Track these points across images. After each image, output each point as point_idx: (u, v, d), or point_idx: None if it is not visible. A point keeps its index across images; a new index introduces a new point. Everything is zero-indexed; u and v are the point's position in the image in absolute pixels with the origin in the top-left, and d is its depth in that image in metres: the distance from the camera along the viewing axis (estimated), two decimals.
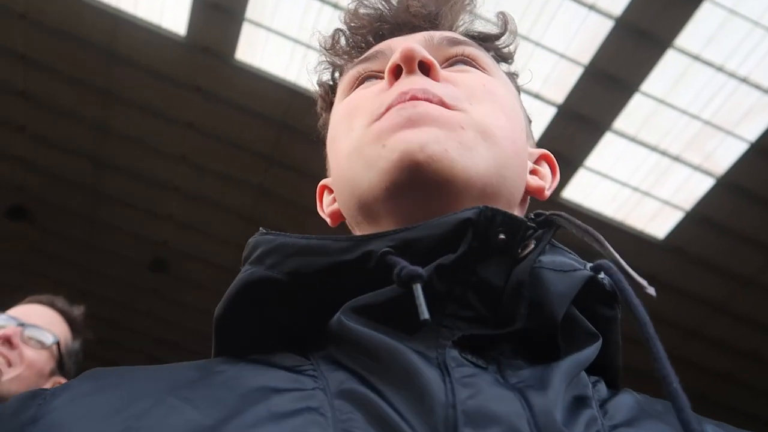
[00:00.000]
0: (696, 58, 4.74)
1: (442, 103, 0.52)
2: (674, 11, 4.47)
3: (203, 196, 6.44)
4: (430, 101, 0.51)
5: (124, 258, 7.37)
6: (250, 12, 4.91)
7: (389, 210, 0.50)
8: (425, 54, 0.54)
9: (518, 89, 0.68)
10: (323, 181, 0.67)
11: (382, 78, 0.58)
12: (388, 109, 0.52)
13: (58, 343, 1.44)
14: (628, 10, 4.45)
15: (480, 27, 0.66)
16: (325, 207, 0.64)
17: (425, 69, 0.54)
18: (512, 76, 0.67)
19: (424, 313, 0.38)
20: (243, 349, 0.46)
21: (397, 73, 0.55)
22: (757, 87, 4.82)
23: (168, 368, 0.44)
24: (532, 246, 0.45)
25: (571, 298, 0.45)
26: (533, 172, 0.62)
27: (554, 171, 0.64)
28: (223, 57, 5.19)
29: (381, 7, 0.63)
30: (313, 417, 0.38)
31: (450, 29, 0.64)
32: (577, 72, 4.86)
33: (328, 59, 0.67)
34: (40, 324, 1.44)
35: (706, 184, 5.44)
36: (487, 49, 0.64)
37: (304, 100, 5.31)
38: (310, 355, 0.45)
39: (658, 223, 5.85)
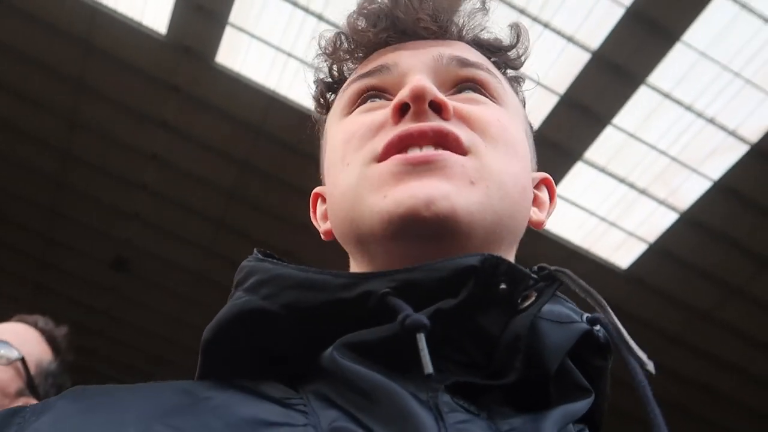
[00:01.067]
0: (666, 96, 4.89)
1: (457, 143, 0.49)
2: (649, 49, 4.61)
3: (172, 197, 6.34)
4: (443, 144, 0.49)
5: (86, 254, 7.19)
6: (234, 16, 4.89)
7: (387, 250, 0.49)
8: (437, 94, 0.51)
9: (524, 101, 0.66)
10: (317, 189, 0.64)
11: (386, 98, 0.55)
12: (388, 149, 0.50)
13: (23, 360, 1.36)
14: (605, 44, 4.57)
15: (490, 35, 0.63)
16: (319, 218, 0.62)
17: (436, 108, 0.51)
18: (518, 83, 0.65)
19: (429, 367, 0.38)
20: (229, 372, 0.45)
21: (403, 110, 0.51)
22: (723, 128, 4.98)
23: (153, 389, 0.43)
24: (533, 298, 0.44)
25: (566, 350, 0.45)
26: (534, 200, 0.60)
27: (552, 196, 0.63)
28: (204, 59, 5.15)
29: (387, 13, 0.59)
30: None
31: (459, 38, 0.61)
32: (552, 100, 4.95)
33: (328, 60, 0.63)
34: (10, 340, 1.37)
35: (669, 218, 5.58)
36: (498, 65, 0.62)
37: (282, 109, 5.32)
38: (299, 387, 0.44)
39: (622, 253, 5.97)
